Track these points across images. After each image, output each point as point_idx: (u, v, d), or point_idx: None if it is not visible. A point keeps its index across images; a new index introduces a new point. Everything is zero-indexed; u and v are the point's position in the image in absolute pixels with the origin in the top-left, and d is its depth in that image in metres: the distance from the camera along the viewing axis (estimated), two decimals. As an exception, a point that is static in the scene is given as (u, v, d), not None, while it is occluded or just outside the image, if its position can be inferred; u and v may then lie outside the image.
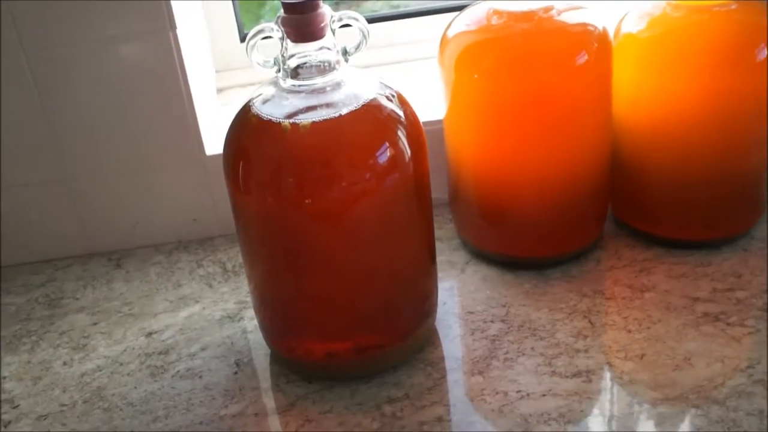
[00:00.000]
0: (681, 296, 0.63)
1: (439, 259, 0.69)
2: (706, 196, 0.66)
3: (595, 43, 0.63)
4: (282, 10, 0.53)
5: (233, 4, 0.83)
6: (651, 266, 0.67)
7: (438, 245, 0.70)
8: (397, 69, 0.86)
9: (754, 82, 0.63)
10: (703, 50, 0.63)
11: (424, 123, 0.69)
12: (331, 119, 0.53)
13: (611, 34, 0.65)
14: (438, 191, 0.69)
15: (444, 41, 0.65)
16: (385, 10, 0.95)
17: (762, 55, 0.63)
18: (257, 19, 0.94)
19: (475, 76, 0.62)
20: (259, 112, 0.54)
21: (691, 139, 0.65)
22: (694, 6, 0.64)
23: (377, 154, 0.53)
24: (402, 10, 0.91)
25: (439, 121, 0.68)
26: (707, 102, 0.63)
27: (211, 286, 0.70)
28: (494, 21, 0.63)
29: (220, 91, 0.84)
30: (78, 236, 0.75)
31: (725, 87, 0.63)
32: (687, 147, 0.65)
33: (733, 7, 0.63)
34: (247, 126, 0.54)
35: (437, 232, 0.72)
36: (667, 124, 0.65)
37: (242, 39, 0.84)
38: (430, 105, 0.69)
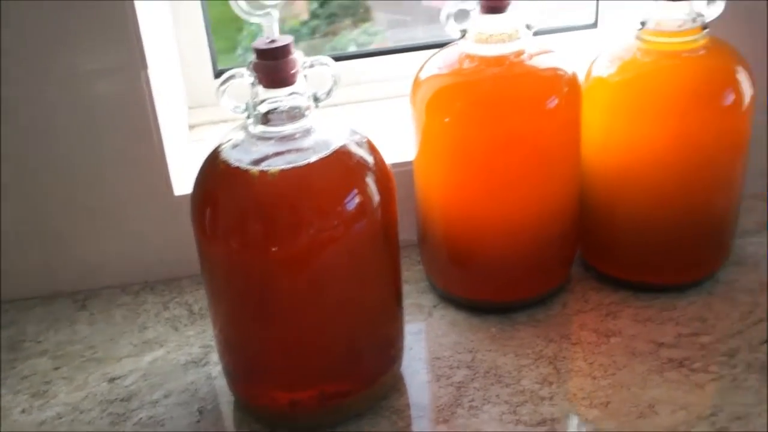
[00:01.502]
0: (646, 341, 0.64)
1: (406, 302, 0.69)
2: (672, 240, 0.67)
3: (565, 87, 0.63)
4: (254, 56, 0.52)
5: (207, 40, 0.82)
6: (617, 310, 0.67)
7: (406, 288, 0.70)
8: (371, 107, 0.86)
9: (721, 126, 0.64)
10: (672, 95, 0.64)
11: (396, 164, 0.69)
12: (299, 167, 0.52)
13: (582, 77, 0.66)
14: (408, 233, 0.69)
15: (416, 83, 0.65)
16: (358, 48, 0.96)
17: (729, 100, 0.64)
18: (234, 47, 0.93)
19: (446, 119, 0.62)
20: (227, 158, 0.53)
21: (658, 184, 0.65)
22: (664, 51, 0.65)
23: (345, 201, 0.53)
24: (377, 48, 0.91)
25: (411, 162, 0.67)
26: (675, 146, 0.64)
27: (176, 329, 0.69)
28: (466, 65, 0.63)
29: (192, 127, 0.83)
30: (42, 276, 0.73)
31: (693, 131, 0.64)
32: (655, 191, 0.65)
33: (702, 52, 0.64)
34: (215, 171, 0.54)
35: (406, 275, 0.72)
36: (636, 167, 0.65)
37: (216, 75, 0.83)
38: (404, 145, 0.69)
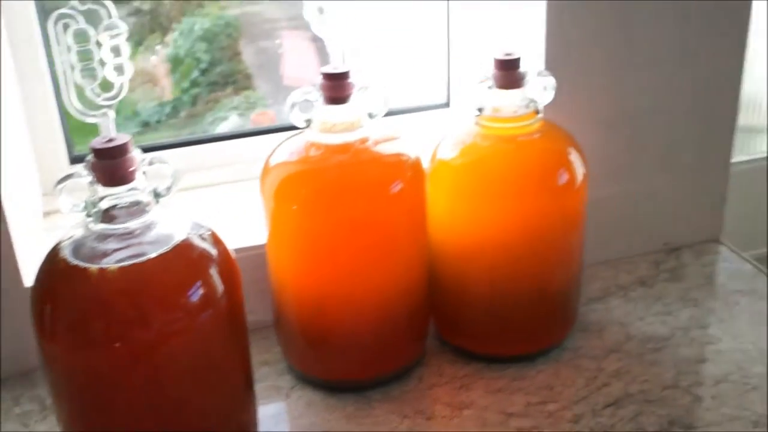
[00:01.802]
0: (497, 412, 0.66)
1: (264, 384, 0.69)
2: (518, 313, 0.70)
3: (408, 172, 0.65)
4: (91, 155, 0.53)
5: (62, 124, 0.82)
6: (470, 382, 0.70)
7: (265, 370, 0.71)
8: (233, 188, 0.87)
9: (557, 204, 0.68)
10: (510, 177, 0.67)
11: (252, 246, 0.70)
12: (140, 263, 0.53)
13: (427, 161, 0.69)
14: (267, 314, 0.70)
15: (265, 170, 0.66)
16: (240, 115, 0.97)
17: (563, 180, 0.68)
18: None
19: (294, 207, 0.64)
20: (66, 257, 0.53)
21: (501, 260, 0.68)
22: (502, 136, 0.68)
23: (189, 293, 0.54)
24: (249, 129, 0.92)
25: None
26: (515, 225, 0.67)
27: (27, 426, 0.67)
28: (312, 152, 0.65)
29: (47, 214, 0.82)
30: None
31: (531, 210, 0.67)
32: (498, 268, 0.69)
33: (536, 136, 0.68)
34: (54, 269, 0.54)
35: (265, 356, 0.72)
36: (479, 246, 0.68)
37: (72, 160, 0.83)
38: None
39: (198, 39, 0.97)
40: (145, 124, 0.96)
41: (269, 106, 1.02)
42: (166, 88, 0.98)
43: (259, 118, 1.00)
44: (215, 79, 0.99)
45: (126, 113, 0.93)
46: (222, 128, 0.96)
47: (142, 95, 0.97)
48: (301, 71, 0.95)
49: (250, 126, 0.98)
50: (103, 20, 0.50)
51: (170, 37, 0.97)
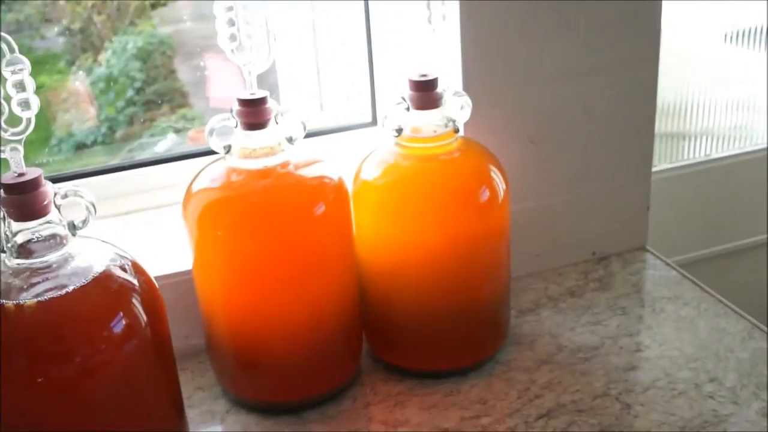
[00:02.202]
0: (431, 428, 0.66)
1: (200, 409, 0.69)
2: (448, 328, 0.71)
3: (331, 194, 0.66)
4: (2, 191, 0.52)
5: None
6: (404, 399, 0.70)
7: (200, 394, 0.71)
8: (162, 212, 0.87)
9: (480, 221, 0.69)
10: (432, 196, 0.68)
11: (183, 272, 0.70)
12: (58, 296, 0.52)
13: (350, 181, 0.69)
14: (201, 338, 0.70)
15: (188, 196, 0.66)
16: (176, 133, 0.96)
17: (484, 197, 0.69)
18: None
19: (219, 233, 0.64)
20: (-20, 293, 0.53)
21: (428, 277, 0.69)
22: (422, 155, 0.69)
23: (111, 325, 0.54)
24: (168, 154, 0.92)
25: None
26: (439, 242, 0.68)
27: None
28: (234, 178, 0.65)
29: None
30: None
31: (455, 228, 0.68)
32: (426, 284, 0.69)
33: (456, 155, 0.69)
34: (-31, 307, 0.53)
35: (200, 381, 0.72)
36: (405, 263, 0.69)
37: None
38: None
39: (131, 57, 0.96)
40: (81, 146, 0.96)
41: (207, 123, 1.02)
42: (93, 111, 0.97)
43: (197, 136, 0.99)
44: (151, 97, 0.98)
45: (60, 134, 0.92)
46: (159, 147, 0.96)
47: (76, 116, 0.96)
48: (228, 92, 0.95)
49: (188, 143, 0.97)
50: (4, 55, 0.50)
51: (103, 57, 0.96)
